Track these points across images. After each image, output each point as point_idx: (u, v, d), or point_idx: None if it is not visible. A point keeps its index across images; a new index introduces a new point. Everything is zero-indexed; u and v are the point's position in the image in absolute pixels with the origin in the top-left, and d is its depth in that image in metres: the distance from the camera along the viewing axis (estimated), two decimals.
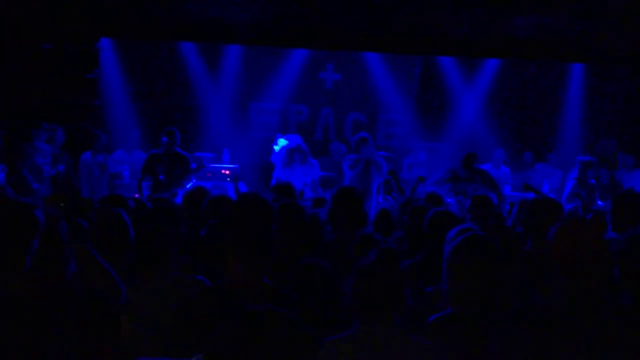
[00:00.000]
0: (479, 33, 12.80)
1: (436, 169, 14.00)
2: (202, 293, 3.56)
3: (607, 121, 14.68)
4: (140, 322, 3.41)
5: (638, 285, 3.72)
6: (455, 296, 3.63)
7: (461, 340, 3.51)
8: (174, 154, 10.76)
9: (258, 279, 3.40)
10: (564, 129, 14.95)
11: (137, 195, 10.38)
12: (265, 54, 14.56)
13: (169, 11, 11.93)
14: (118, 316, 3.06)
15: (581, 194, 10.45)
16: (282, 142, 11.50)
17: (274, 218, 3.49)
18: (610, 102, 14.82)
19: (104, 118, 13.54)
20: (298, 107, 15.00)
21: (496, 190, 10.73)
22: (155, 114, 14.11)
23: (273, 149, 11.58)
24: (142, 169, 10.82)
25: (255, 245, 3.36)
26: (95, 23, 11.72)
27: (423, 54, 14.59)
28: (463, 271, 3.59)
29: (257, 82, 14.69)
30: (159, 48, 14.29)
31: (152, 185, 10.51)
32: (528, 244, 5.22)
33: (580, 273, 3.27)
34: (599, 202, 10.37)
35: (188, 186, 10.16)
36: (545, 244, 3.95)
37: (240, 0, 11.37)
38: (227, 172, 12.69)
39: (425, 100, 15.06)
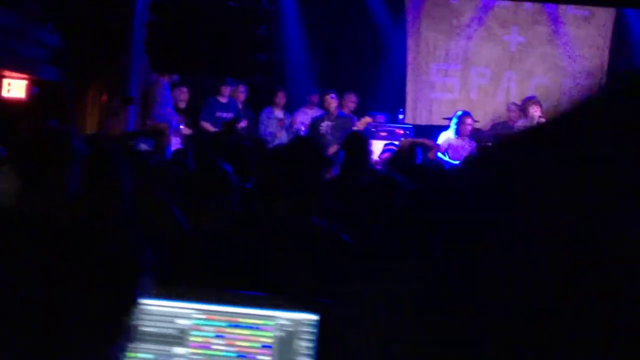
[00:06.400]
0: None
1: None
2: None
3: None
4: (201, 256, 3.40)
5: None
6: None
7: None
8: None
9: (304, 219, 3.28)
10: None
11: None
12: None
13: None
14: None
15: None
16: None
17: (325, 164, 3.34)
18: None
19: (285, 75, 13.68)
20: (480, 69, 14.53)
21: None
22: (333, 72, 14.10)
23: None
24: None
25: (299, 185, 3.25)
26: None
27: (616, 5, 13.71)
28: None
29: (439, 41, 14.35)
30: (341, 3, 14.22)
31: None
32: None
33: None
34: None
35: None
36: None
37: None
38: (401, 132, 12.62)
39: (616, 64, 14.10)
